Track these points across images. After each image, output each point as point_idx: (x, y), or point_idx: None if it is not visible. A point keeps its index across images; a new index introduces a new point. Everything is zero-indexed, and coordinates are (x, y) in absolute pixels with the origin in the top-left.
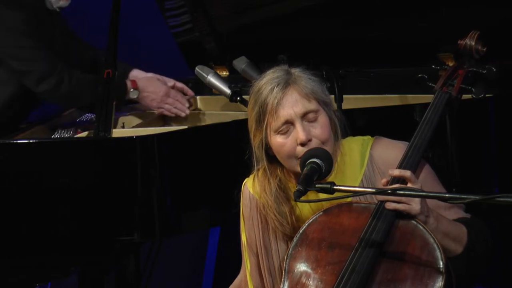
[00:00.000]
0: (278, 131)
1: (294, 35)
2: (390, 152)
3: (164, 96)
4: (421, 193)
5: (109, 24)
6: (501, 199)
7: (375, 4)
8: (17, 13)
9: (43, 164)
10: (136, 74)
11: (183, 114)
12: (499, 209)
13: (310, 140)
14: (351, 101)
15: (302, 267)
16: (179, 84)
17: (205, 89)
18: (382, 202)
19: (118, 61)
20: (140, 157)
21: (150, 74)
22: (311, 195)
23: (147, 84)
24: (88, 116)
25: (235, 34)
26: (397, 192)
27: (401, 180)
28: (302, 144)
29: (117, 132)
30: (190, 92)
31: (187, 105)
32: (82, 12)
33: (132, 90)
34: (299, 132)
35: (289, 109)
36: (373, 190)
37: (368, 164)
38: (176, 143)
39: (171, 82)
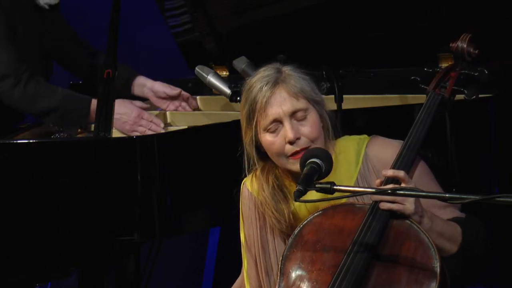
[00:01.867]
0: (267, 129)
1: (294, 35)
2: (385, 151)
3: (136, 117)
4: (420, 193)
5: (109, 24)
6: (501, 199)
7: (375, 4)
8: None
9: (43, 164)
10: (142, 81)
11: None
12: (499, 209)
13: (298, 138)
14: (351, 101)
15: (297, 268)
16: (185, 94)
17: (205, 89)
18: (377, 202)
19: (124, 66)
20: (140, 157)
21: (149, 83)
22: (309, 195)
23: (118, 106)
24: None
25: (235, 34)
26: (396, 192)
27: (395, 180)
28: (291, 143)
29: (117, 132)
30: (194, 102)
31: (162, 125)
32: (82, 12)
33: None
34: (287, 131)
35: (278, 108)
36: (373, 190)
37: (363, 162)
38: (176, 143)
39: (177, 90)
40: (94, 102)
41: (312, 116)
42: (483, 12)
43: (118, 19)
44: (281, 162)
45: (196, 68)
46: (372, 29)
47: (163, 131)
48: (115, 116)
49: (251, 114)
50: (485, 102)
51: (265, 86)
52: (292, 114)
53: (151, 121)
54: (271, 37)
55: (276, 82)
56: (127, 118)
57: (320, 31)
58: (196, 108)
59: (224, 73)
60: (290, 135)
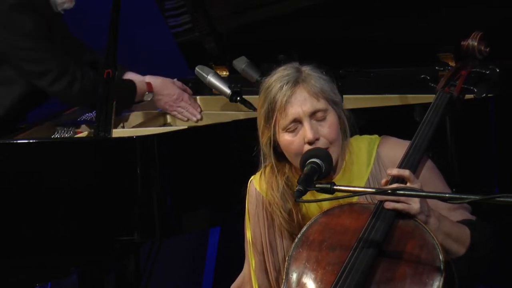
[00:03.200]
0: (286, 129)
1: (294, 35)
2: (396, 151)
3: (177, 99)
4: (421, 193)
5: (109, 24)
6: (501, 199)
7: (375, 4)
8: (29, 16)
9: (43, 164)
10: (132, 77)
11: (194, 119)
12: (499, 209)
13: (317, 139)
14: (351, 101)
15: (303, 268)
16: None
17: (205, 89)
18: (382, 202)
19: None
20: (140, 157)
21: (148, 77)
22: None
23: (162, 87)
24: (88, 116)
25: (235, 34)
26: (396, 191)
27: (401, 179)
28: (310, 143)
29: (117, 132)
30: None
31: (199, 110)
32: (82, 12)
33: (147, 93)
34: (307, 131)
35: (298, 108)
36: (373, 190)
37: (374, 163)
38: (176, 143)
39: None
40: (146, 86)
41: (331, 117)
42: (483, 12)
43: (118, 19)
44: (298, 162)
45: (196, 68)
46: (372, 29)
47: (199, 116)
48: (158, 97)
49: (270, 113)
50: (485, 102)
51: (286, 85)
52: (312, 114)
53: (189, 104)
54: (271, 37)
55: (296, 81)
56: (168, 99)
57: (320, 31)
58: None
59: (224, 73)
60: (310, 135)
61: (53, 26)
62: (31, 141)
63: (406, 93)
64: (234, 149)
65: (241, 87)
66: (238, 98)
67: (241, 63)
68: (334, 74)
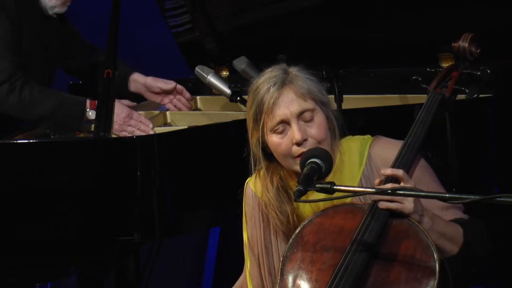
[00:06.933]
0: (274, 131)
1: (294, 35)
2: (388, 151)
3: (126, 117)
4: (419, 193)
5: (109, 24)
6: (501, 199)
7: (375, 4)
8: None
9: (43, 164)
10: (136, 77)
11: None
12: (499, 209)
13: (306, 140)
14: (351, 101)
15: (297, 268)
16: (179, 87)
17: (205, 89)
18: (376, 202)
19: (120, 63)
20: (140, 157)
21: (150, 79)
22: (311, 195)
23: None
24: None
25: (235, 34)
26: (396, 192)
27: (394, 179)
28: (298, 144)
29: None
30: (187, 94)
31: (150, 126)
32: (82, 12)
33: (89, 110)
34: (295, 132)
35: (285, 109)
36: (373, 190)
37: (366, 163)
38: (176, 143)
39: (171, 83)
40: (88, 104)
41: (319, 117)
42: (483, 12)
43: (118, 19)
44: (287, 163)
45: (196, 68)
46: (372, 29)
47: (152, 131)
48: None
49: (258, 115)
50: (485, 102)
51: (273, 87)
52: (300, 115)
53: (140, 121)
54: (271, 37)
55: (283, 83)
56: (117, 118)
57: (320, 31)
58: (191, 100)
59: (224, 73)
60: (298, 136)
61: (33, 29)
62: (31, 141)
63: (406, 93)
64: (234, 149)
65: (241, 87)
66: (238, 98)
67: (241, 63)
68: (334, 74)
